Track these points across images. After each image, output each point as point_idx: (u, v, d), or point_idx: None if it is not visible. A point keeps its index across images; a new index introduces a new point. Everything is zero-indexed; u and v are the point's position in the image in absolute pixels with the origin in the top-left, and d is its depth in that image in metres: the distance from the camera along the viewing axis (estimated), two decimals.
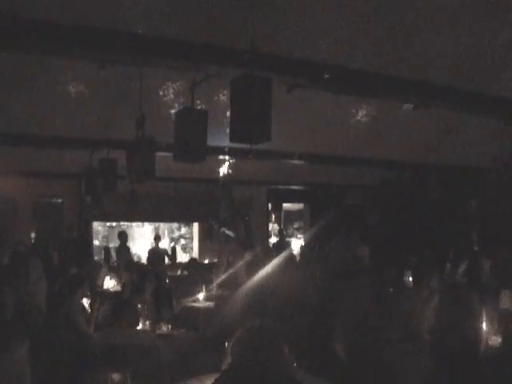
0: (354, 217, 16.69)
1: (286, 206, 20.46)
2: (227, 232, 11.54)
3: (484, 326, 4.96)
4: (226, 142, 7.18)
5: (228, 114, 5.24)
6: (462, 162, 12.93)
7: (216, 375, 2.94)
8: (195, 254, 17.82)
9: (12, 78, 6.52)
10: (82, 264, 9.93)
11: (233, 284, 9.99)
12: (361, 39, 5.43)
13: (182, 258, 17.02)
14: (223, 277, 10.03)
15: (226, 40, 5.21)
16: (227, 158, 11.42)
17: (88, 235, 16.41)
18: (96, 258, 14.86)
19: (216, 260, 12.85)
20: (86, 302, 7.32)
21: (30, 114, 8.17)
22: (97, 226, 17.43)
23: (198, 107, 6.38)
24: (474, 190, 14.30)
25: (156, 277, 9.66)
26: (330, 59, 5.81)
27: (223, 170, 11.98)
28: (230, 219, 11.67)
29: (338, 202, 16.85)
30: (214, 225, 11.89)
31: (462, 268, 10.22)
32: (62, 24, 4.73)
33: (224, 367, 2.95)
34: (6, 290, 5.25)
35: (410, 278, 9.44)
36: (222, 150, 9.94)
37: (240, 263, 10.69)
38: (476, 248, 13.72)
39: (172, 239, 18.74)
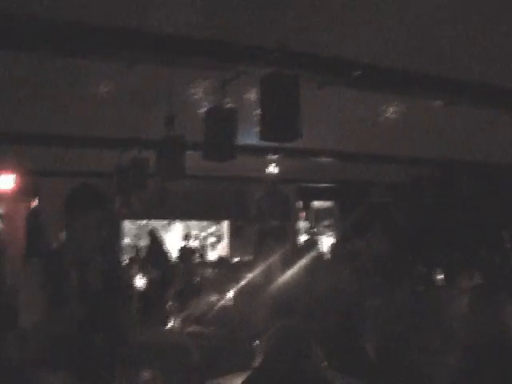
0: (383, 215, 16.60)
1: (315, 203, 20.41)
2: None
3: None
4: (255, 141, 7.18)
5: (258, 112, 5.25)
6: (492, 160, 12.80)
7: (247, 374, 2.93)
8: (225, 252, 17.85)
9: (41, 79, 6.57)
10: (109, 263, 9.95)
11: (263, 282, 9.97)
12: (390, 37, 5.39)
13: (212, 256, 17.08)
14: (253, 275, 10.02)
15: (254, 38, 5.21)
16: (269, 156, 11.45)
17: (119, 234, 16.53)
18: (126, 256, 14.96)
19: (247, 258, 12.87)
20: None
21: (59, 114, 8.24)
22: (127, 224, 17.53)
23: (228, 106, 6.38)
24: (505, 187, 14.16)
25: (186, 275, 9.70)
26: (360, 57, 5.78)
27: (269, 168, 12.04)
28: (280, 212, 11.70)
29: (368, 200, 16.76)
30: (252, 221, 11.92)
31: (494, 267, 10.10)
32: (89, 24, 4.77)
33: (255, 366, 2.95)
34: None
35: (441, 277, 9.35)
36: (251, 149, 9.93)
37: (271, 261, 10.67)
38: (508, 246, 13.56)
39: (202, 237, 18.79)
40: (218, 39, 5.17)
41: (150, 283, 10.34)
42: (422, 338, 5.33)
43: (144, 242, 15.93)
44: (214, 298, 9.00)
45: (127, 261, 12.85)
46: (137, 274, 10.77)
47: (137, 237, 17.77)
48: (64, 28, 4.71)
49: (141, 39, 4.90)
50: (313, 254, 11.24)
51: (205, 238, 18.75)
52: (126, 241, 17.39)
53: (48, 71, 6.30)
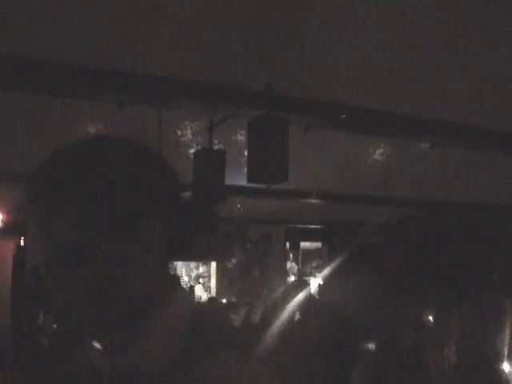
0: (372, 255, 16.61)
1: (303, 244, 20.42)
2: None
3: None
4: (243, 182, 7.21)
5: (245, 153, 5.29)
6: (480, 201, 12.88)
7: None
8: (213, 292, 17.77)
9: (28, 119, 6.61)
10: None
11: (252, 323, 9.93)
12: (377, 79, 5.48)
13: (202, 296, 17.01)
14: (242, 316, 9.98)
15: (242, 81, 5.28)
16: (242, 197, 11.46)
17: None
18: None
19: (234, 299, 12.82)
20: None
21: (46, 154, 8.24)
22: None
23: (216, 147, 6.43)
24: (494, 228, 14.22)
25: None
26: (347, 99, 5.86)
27: (237, 209, 12.02)
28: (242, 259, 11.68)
29: (356, 241, 16.79)
30: (228, 264, 11.91)
31: (484, 307, 10.09)
32: (79, 65, 4.82)
33: None
34: None
35: (430, 318, 9.34)
36: (239, 190, 9.96)
37: (258, 303, 10.65)
38: (498, 289, 13.57)
39: (190, 278, 18.70)
40: (207, 82, 5.24)
41: None
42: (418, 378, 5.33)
43: None
44: None
45: None
46: None
47: None
48: (52, 68, 4.76)
49: (131, 81, 4.95)
50: (301, 294, 11.21)
51: (193, 278, 18.66)
52: None
53: (36, 111, 6.34)
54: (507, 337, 4.22)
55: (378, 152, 8.31)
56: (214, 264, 18.26)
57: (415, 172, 9.81)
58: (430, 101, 6.10)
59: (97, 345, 7.29)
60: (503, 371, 3.98)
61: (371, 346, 6.93)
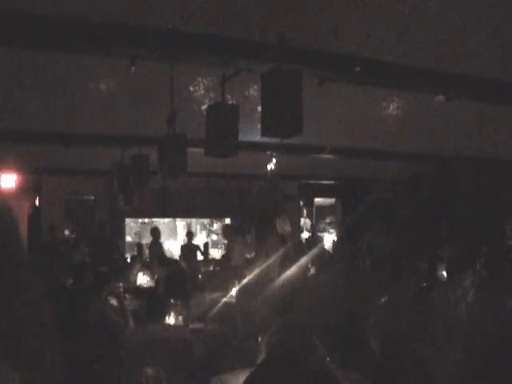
0: (385, 211, 16.61)
1: (317, 200, 20.42)
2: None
3: None
4: (257, 137, 7.15)
5: (259, 108, 5.23)
6: (494, 155, 12.79)
7: (250, 370, 2.93)
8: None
9: (42, 76, 6.57)
10: (111, 262, 10.00)
11: (265, 279, 9.97)
12: (392, 31, 5.37)
13: (215, 253, 17.08)
14: (255, 272, 10.01)
15: (255, 34, 5.20)
16: (269, 153, 11.43)
17: (120, 232, 16.55)
18: (128, 254, 14.98)
19: (248, 256, 12.87)
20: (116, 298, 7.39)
21: (60, 112, 8.24)
22: (129, 222, 17.53)
23: (229, 102, 6.37)
24: (506, 182, 14.14)
25: (189, 272, 9.69)
26: (361, 52, 5.77)
27: (270, 165, 12.02)
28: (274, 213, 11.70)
29: (369, 197, 16.76)
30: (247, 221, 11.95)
31: (496, 263, 10.09)
32: (91, 20, 4.76)
33: (258, 361, 2.95)
34: None
35: (444, 273, 9.35)
36: (253, 145, 9.92)
37: (272, 259, 10.67)
38: (510, 242, 13.56)
39: (204, 235, 18.78)
40: (219, 35, 5.16)
41: (152, 280, 10.34)
42: (426, 333, 5.33)
43: (146, 240, 15.94)
44: (216, 295, 9.00)
45: (129, 259, 12.84)
46: (139, 271, 10.76)
47: (138, 235, 17.77)
48: (65, 24, 4.71)
49: (142, 35, 4.89)
50: (315, 251, 11.25)
51: (208, 235, 18.75)
52: (128, 239, 17.40)
53: (48, 68, 6.30)
54: None
55: (391, 106, 8.21)
56: (227, 220, 18.28)
57: (429, 126, 9.72)
58: (446, 54, 5.99)
59: (113, 301, 7.39)
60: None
61: (384, 300, 6.97)
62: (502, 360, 3.31)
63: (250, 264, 11.20)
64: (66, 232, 16.04)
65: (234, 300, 8.88)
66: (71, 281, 8.29)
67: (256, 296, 8.15)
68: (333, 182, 18.43)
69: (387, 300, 6.80)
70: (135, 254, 13.99)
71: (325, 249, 13.56)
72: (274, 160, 12.02)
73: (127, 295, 8.37)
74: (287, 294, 8.03)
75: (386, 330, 5.31)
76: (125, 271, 10.43)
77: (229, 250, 12.86)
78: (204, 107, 7.11)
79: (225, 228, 14.64)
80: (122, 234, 16.72)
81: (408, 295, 6.83)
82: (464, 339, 4.26)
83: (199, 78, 6.80)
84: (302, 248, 12.84)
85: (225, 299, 8.85)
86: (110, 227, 15.45)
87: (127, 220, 17.21)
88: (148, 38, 4.89)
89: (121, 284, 7.94)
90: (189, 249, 13.97)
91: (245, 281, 9.39)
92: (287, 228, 16.93)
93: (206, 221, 18.74)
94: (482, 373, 3.31)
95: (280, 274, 9.44)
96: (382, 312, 6.23)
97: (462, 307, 5.84)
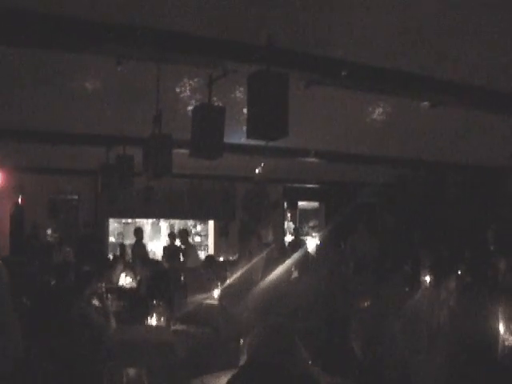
0: (369, 215, 16.65)
1: (301, 204, 20.42)
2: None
3: (501, 326, 4.93)
4: (242, 139, 7.15)
5: (245, 110, 5.23)
6: (478, 161, 12.86)
7: (232, 372, 2.92)
8: (210, 251, 17.83)
9: (27, 74, 6.53)
10: (94, 261, 9.96)
11: (248, 282, 9.98)
12: (379, 36, 5.39)
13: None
14: (238, 275, 10.01)
15: (243, 36, 5.20)
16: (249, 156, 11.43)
17: (103, 232, 16.50)
18: (111, 254, 14.92)
19: (231, 258, 12.89)
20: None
21: (46, 111, 8.19)
22: (112, 222, 17.48)
23: (215, 104, 6.36)
24: (491, 188, 14.23)
25: (171, 273, 9.66)
26: (348, 56, 5.78)
27: (258, 168, 12.03)
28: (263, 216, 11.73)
29: (354, 201, 16.80)
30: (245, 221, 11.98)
31: (478, 268, 10.13)
32: (78, 18, 4.73)
33: (240, 364, 2.94)
34: None
35: (427, 278, 9.37)
36: (237, 148, 9.92)
37: (255, 261, 10.68)
38: (492, 248, 13.62)
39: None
40: (207, 36, 5.15)
41: (134, 281, 10.31)
42: (409, 337, 5.34)
43: (129, 241, 15.90)
44: (199, 296, 8.98)
45: (112, 259, 12.80)
46: (122, 272, 10.73)
47: (121, 235, 17.72)
48: (50, 21, 4.67)
49: (129, 34, 4.86)
50: (298, 254, 11.25)
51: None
52: (111, 239, 17.35)
53: (33, 66, 6.26)
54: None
55: (377, 111, 8.24)
56: (211, 222, 18.30)
57: (414, 132, 9.76)
58: (431, 60, 6.02)
59: (96, 302, 7.36)
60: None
61: (367, 304, 6.98)
62: (483, 364, 3.32)
63: (233, 266, 11.21)
64: (49, 231, 15.96)
65: (216, 302, 8.87)
66: (54, 281, 8.25)
67: (239, 298, 8.15)
68: (317, 185, 18.45)
69: (370, 303, 6.82)
70: (118, 254, 13.95)
71: (308, 252, 13.56)
72: (262, 164, 12.04)
73: (109, 295, 8.33)
74: (270, 296, 8.03)
75: (369, 334, 5.31)
76: (107, 271, 10.39)
77: (185, 254, 13.00)
78: (190, 108, 7.09)
79: (181, 232, 14.77)
80: (105, 234, 16.67)
81: (391, 299, 6.84)
82: (446, 343, 4.28)
83: (186, 79, 6.78)
84: (285, 251, 12.84)
85: (207, 301, 8.84)
86: (94, 227, 15.40)
87: (110, 220, 17.15)
88: (135, 38, 4.86)
89: (103, 284, 7.91)
90: (172, 250, 13.94)
91: (227, 283, 9.39)
92: (269, 237, 17.09)
93: (189, 222, 18.72)
94: (464, 376, 3.32)
95: (263, 276, 9.44)
96: (366, 315, 6.24)
97: (444, 311, 5.87)
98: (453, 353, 3.48)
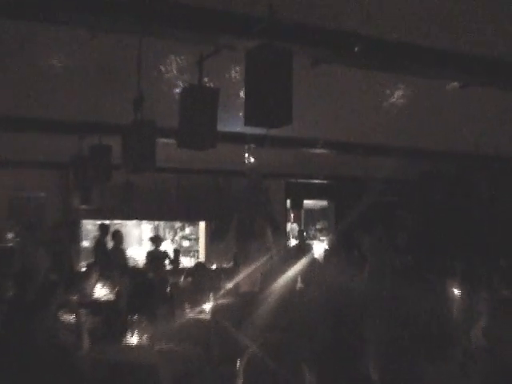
0: (386, 216, 16.66)
1: (307, 203, 20.43)
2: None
3: None
4: (239, 127, 7.14)
5: (242, 93, 5.23)
6: None
7: None
8: (201, 257, 17.86)
9: None
10: (63, 270, 9.96)
11: (245, 293, 9.99)
12: (398, 5, 5.38)
13: (186, 262, 17.09)
14: (234, 285, 10.04)
15: (239, 6, 5.19)
16: (247, 146, 11.42)
17: (75, 236, 16.48)
18: (85, 262, 14.92)
19: (226, 265, 12.90)
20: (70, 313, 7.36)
21: (5, 93, 8.17)
22: (86, 224, 17.47)
23: (207, 85, 6.36)
24: None
25: (156, 284, 9.68)
26: (362, 28, 5.76)
27: (248, 158, 11.99)
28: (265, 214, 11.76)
29: (369, 199, 16.79)
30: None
31: None
32: None
33: None
34: None
35: (455, 290, 9.40)
36: (234, 136, 9.92)
37: (254, 269, 10.70)
38: None
39: (174, 240, 18.80)
40: (198, 7, 5.14)
41: (112, 293, 10.32)
42: (433, 357, 5.35)
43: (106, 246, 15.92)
44: (187, 310, 8.99)
45: (85, 268, 12.80)
46: (97, 282, 10.74)
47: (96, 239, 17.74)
48: None
49: (106, 1, 4.84)
50: (304, 261, 11.27)
51: (178, 241, 18.77)
52: (85, 244, 17.33)
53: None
54: None
55: (397, 94, 8.23)
56: (202, 224, 18.30)
57: (440, 119, 9.75)
58: (461, 31, 5.98)
59: (65, 317, 7.35)
60: None
61: (382, 323, 6.99)
62: None
63: (227, 275, 11.23)
64: (10, 235, 15.94)
65: (207, 317, 8.89)
66: (13, 292, 8.24)
67: (234, 313, 8.17)
68: (326, 181, 18.46)
69: (388, 322, 6.82)
70: (93, 261, 13.96)
71: (315, 259, 13.60)
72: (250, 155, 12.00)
73: (82, 310, 8.34)
74: (271, 310, 8.04)
75: (388, 361, 5.32)
76: (80, 282, 10.40)
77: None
78: (177, 90, 7.09)
79: (154, 239, 14.87)
80: (77, 238, 16.65)
81: (411, 315, 6.85)
82: (477, 363, 4.29)
83: (172, 56, 6.78)
84: (288, 258, 12.86)
85: (198, 316, 8.86)
86: (64, 230, 15.38)
87: (84, 222, 17.14)
88: (112, 6, 4.85)
89: (75, 297, 7.92)
90: (156, 256, 13.95)
91: (222, 295, 9.41)
92: (270, 241, 17.10)
93: (177, 224, 18.74)
94: None
95: (263, 286, 9.46)
96: (383, 336, 6.25)
97: (477, 333, 5.86)
98: (486, 373, 3.49)
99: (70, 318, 7.28)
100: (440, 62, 6.38)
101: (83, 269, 12.86)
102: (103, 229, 14.88)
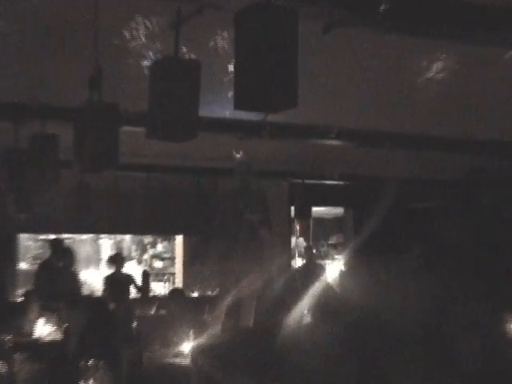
0: (424, 228, 16.70)
1: (316, 210, 20.44)
2: None
3: None
4: (228, 111, 7.16)
5: (231, 67, 5.24)
6: None
7: None
8: (178, 282, 17.87)
9: None
10: None
11: (235, 330, 10.02)
12: None
13: (159, 289, 17.14)
14: (221, 319, 10.06)
15: None
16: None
17: (9, 255, 16.45)
18: (23, 290, 14.90)
19: (210, 292, 12.94)
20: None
21: None
22: (25, 240, 17.45)
23: (185, 56, 6.37)
24: None
25: (117, 318, 9.70)
26: None
27: (239, 153, 12.03)
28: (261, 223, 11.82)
29: (399, 205, 16.84)
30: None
31: None
32: None
33: None
34: None
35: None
36: (221, 123, 9.93)
37: (246, 296, 10.73)
38: None
39: (143, 260, 18.83)
40: None
41: (59, 331, 10.33)
42: None
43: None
44: (159, 353, 9.01)
45: (23, 297, 12.82)
46: (39, 316, 10.75)
47: (39, 259, 17.68)
48: None
49: None
50: (314, 288, 11.31)
51: (147, 261, 18.81)
52: (22, 265, 17.30)
53: None
54: None
55: (435, 67, 8.24)
56: (179, 239, 18.29)
57: (491, 99, 9.76)
58: None
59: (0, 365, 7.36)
60: None
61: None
62: None
63: (212, 305, 11.25)
64: None
65: (186, 363, 8.91)
66: None
67: (221, 355, 8.18)
68: (341, 182, 18.47)
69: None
70: (33, 288, 13.94)
71: (328, 284, 13.64)
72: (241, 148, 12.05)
73: (17, 355, 8.36)
74: (270, 352, 8.06)
75: None
76: (15, 316, 10.41)
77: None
78: (146, 63, 7.11)
79: (113, 258, 14.97)
80: (12, 257, 16.60)
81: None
82: None
83: (140, 18, 6.80)
84: (292, 283, 12.91)
85: (173, 360, 8.88)
86: None
87: (21, 236, 17.10)
88: None
89: (8, 337, 7.92)
90: (118, 281, 13.97)
91: (204, 331, 9.43)
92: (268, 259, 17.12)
93: (146, 239, 18.76)
94: None
95: (258, 320, 9.48)
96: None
97: None
98: None
99: (0, 365, 7.28)
100: (494, 23, 6.33)
101: (20, 299, 12.86)
102: (55, 246, 14.78)
